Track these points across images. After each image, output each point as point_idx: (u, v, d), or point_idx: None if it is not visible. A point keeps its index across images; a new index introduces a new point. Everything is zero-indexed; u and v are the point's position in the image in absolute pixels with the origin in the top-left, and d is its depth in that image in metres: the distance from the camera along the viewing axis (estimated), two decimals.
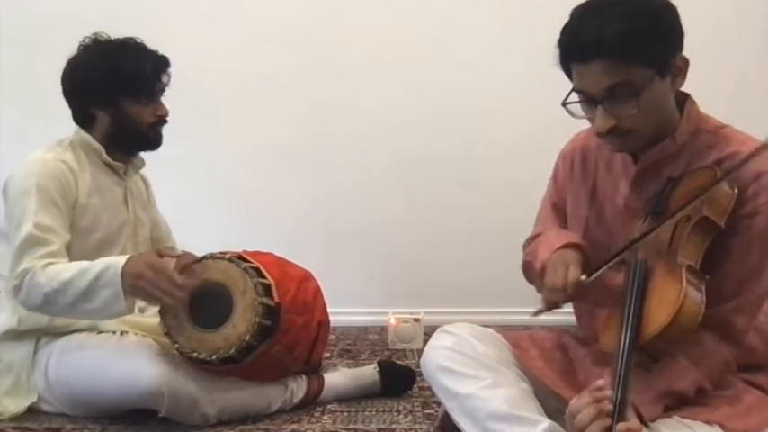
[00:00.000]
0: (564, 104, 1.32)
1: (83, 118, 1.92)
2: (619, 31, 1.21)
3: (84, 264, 1.71)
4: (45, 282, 1.68)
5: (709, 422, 1.21)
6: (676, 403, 1.24)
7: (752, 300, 1.29)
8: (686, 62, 1.30)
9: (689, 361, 1.25)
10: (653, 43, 1.23)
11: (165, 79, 1.93)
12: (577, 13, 1.30)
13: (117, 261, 1.69)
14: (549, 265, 1.38)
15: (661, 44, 1.25)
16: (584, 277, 1.31)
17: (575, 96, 1.32)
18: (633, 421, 1.11)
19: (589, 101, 1.30)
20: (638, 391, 1.20)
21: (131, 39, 1.91)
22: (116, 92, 1.87)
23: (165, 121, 1.95)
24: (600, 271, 1.31)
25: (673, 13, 1.28)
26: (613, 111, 1.27)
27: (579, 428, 1.12)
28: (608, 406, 1.11)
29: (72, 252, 1.80)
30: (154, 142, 1.95)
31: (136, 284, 1.65)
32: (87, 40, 1.91)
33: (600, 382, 1.16)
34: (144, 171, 2.09)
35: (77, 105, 1.92)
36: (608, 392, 1.13)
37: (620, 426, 1.08)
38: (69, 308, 1.71)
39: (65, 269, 1.70)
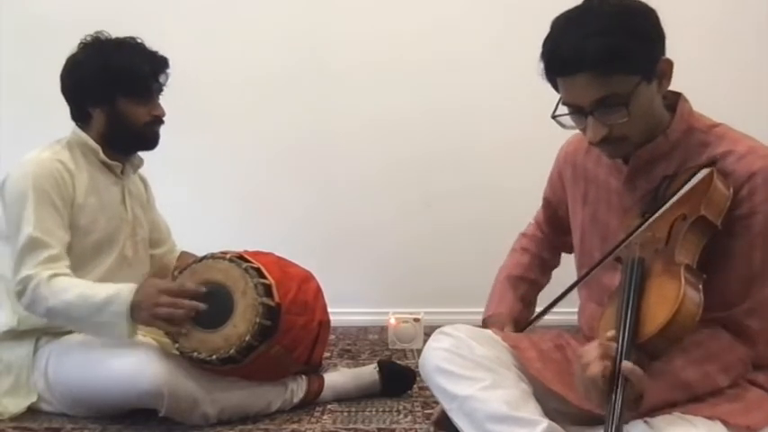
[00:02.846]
0: (553, 117, 1.33)
1: (80, 116, 1.92)
2: (599, 46, 1.21)
3: (88, 289, 1.72)
4: (49, 296, 1.70)
5: (710, 418, 1.21)
6: (684, 397, 1.24)
7: (762, 301, 1.29)
8: (670, 64, 1.31)
9: (701, 355, 1.25)
10: (634, 52, 1.23)
11: (162, 79, 1.92)
12: (557, 27, 1.30)
13: (125, 293, 1.70)
14: (488, 325, 1.60)
15: (641, 52, 1.25)
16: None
17: (564, 108, 1.32)
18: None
19: (578, 112, 1.30)
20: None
21: (131, 38, 1.90)
22: (112, 90, 1.86)
23: (162, 122, 1.94)
24: (526, 327, 1.59)
25: (651, 17, 1.28)
26: (604, 120, 1.28)
27: (584, 363, 1.16)
28: (614, 348, 1.15)
29: (71, 252, 1.80)
30: (150, 142, 1.94)
31: (155, 313, 1.68)
32: (88, 38, 1.90)
33: (611, 332, 1.19)
34: (142, 171, 2.09)
35: (74, 103, 1.92)
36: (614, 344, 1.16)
37: (626, 363, 1.11)
38: (70, 324, 1.79)
39: (69, 287, 1.71)
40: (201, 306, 1.70)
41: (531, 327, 1.61)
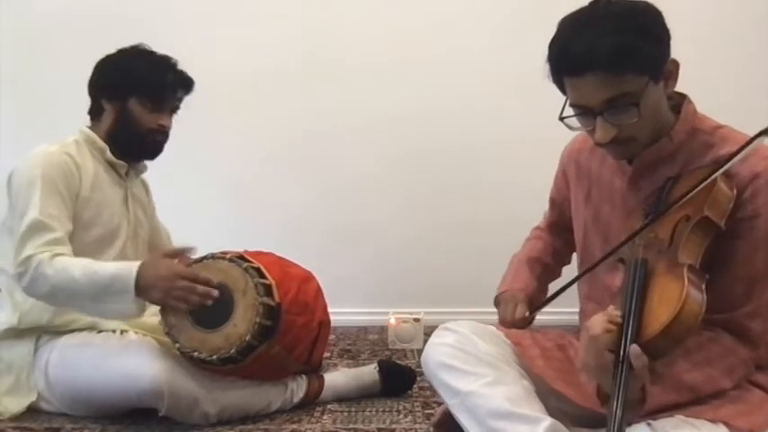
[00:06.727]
0: (561, 119, 1.32)
1: (94, 109, 1.95)
2: (611, 45, 1.21)
3: (93, 265, 1.72)
4: (53, 274, 1.69)
5: (713, 421, 1.21)
6: (687, 398, 1.24)
7: (764, 303, 1.29)
8: (677, 65, 1.31)
9: (703, 358, 1.25)
10: (644, 52, 1.23)
11: (179, 95, 1.95)
12: (566, 28, 1.30)
13: (129, 269, 1.70)
14: (501, 301, 1.59)
15: (652, 51, 1.25)
16: (527, 313, 1.52)
17: (571, 110, 1.32)
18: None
19: (587, 113, 1.30)
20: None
21: (167, 55, 1.94)
22: (128, 89, 1.89)
23: (165, 134, 1.95)
24: (541, 307, 1.53)
25: (659, 18, 1.28)
26: (614, 121, 1.27)
27: (592, 335, 1.17)
28: (619, 320, 1.17)
29: (72, 246, 1.80)
30: (149, 149, 1.96)
31: (169, 293, 1.68)
32: (128, 46, 1.95)
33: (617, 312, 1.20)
34: (144, 175, 2.10)
35: (92, 95, 1.95)
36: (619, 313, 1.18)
37: (634, 347, 1.11)
38: (74, 303, 1.75)
39: (73, 265, 1.71)
40: (215, 293, 1.71)
41: (537, 314, 1.57)
